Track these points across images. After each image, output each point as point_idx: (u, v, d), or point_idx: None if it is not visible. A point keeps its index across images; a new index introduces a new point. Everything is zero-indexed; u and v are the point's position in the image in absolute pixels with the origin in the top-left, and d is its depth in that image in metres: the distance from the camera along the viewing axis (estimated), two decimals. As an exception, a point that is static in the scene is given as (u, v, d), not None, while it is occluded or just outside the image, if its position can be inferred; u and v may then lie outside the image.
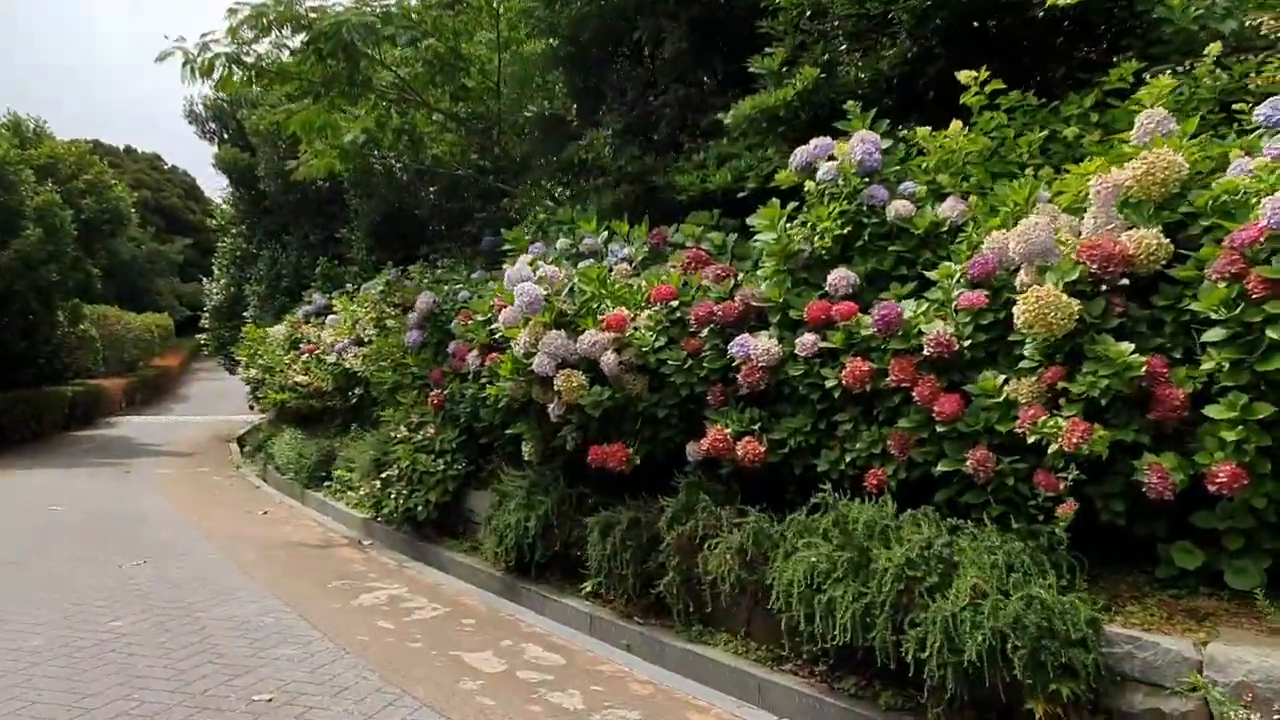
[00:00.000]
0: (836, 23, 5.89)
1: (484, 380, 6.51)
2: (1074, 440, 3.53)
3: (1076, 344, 3.77)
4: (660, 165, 6.73)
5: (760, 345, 4.70)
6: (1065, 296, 3.63)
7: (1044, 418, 3.68)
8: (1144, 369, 3.51)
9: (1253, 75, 4.27)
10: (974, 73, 4.65)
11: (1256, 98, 4.21)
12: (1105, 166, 4.07)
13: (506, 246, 7.50)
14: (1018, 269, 4.11)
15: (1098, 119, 4.79)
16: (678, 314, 5.34)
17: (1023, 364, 3.93)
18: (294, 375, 11.24)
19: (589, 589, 5.47)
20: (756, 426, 4.79)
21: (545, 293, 5.57)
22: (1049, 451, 3.74)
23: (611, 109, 7.09)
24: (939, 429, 4.04)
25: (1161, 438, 3.61)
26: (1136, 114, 4.38)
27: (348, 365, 9.48)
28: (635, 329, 5.29)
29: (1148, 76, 4.53)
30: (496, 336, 6.29)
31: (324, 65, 7.43)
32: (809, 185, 4.98)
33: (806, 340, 4.58)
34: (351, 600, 6.12)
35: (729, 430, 4.80)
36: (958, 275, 4.25)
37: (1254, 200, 3.53)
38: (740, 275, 5.31)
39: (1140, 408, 3.63)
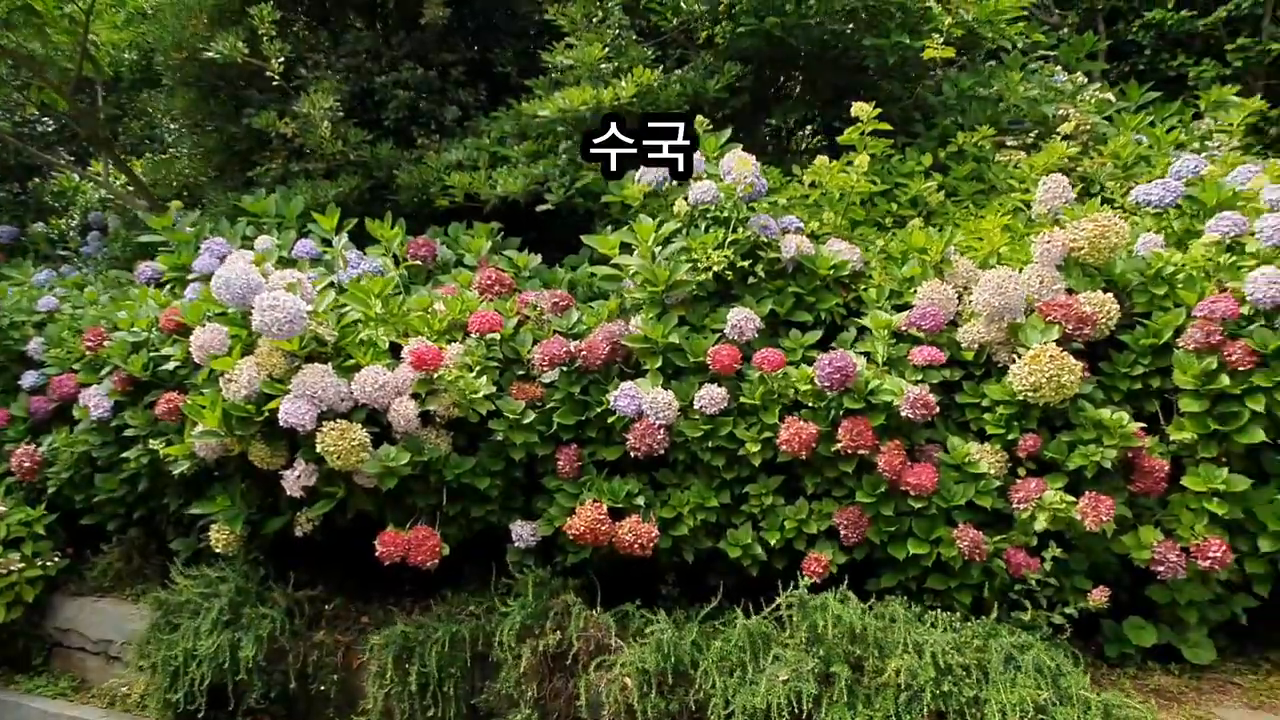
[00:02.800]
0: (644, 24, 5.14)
1: (127, 430, 4.33)
2: (1100, 519, 3.19)
3: (1049, 410, 3.50)
4: (401, 158, 5.22)
5: (659, 398, 3.67)
6: (1071, 358, 3.32)
7: (1047, 494, 3.29)
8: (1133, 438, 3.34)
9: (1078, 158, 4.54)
10: (866, 106, 4.26)
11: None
12: (997, 225, 3.93)
13: (145, 238, 5.23)
14: (953, 324, 3.75)
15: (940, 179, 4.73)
16: (503, 352, 4.01)
17: (990, 430, 3.54)
18: None
19: (362, 743, 3.78)
20: (640, 501, 3.71)
21: (308, 309, 3.80)
22: (1029, 528, 3.38)
23: (331, 69, 5.36)
24: (913, 504, 3.44)
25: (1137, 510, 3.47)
26: (995, 176, 4.40)
27: None
28: (446, 368, 3.83)
29: (1007, 142, 4.59)
30: (165, 369, 4.22)
31: None
32: (679, 206, 4.11)
33: (713, 394, 3.67)
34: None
35: (604, 506, 3.64)
36: (897, 326, 3.74)
37: (1200, 275, 3.61)
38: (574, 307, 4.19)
39: (1121, 479, 3.45)
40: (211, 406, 3.81)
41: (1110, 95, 5.11)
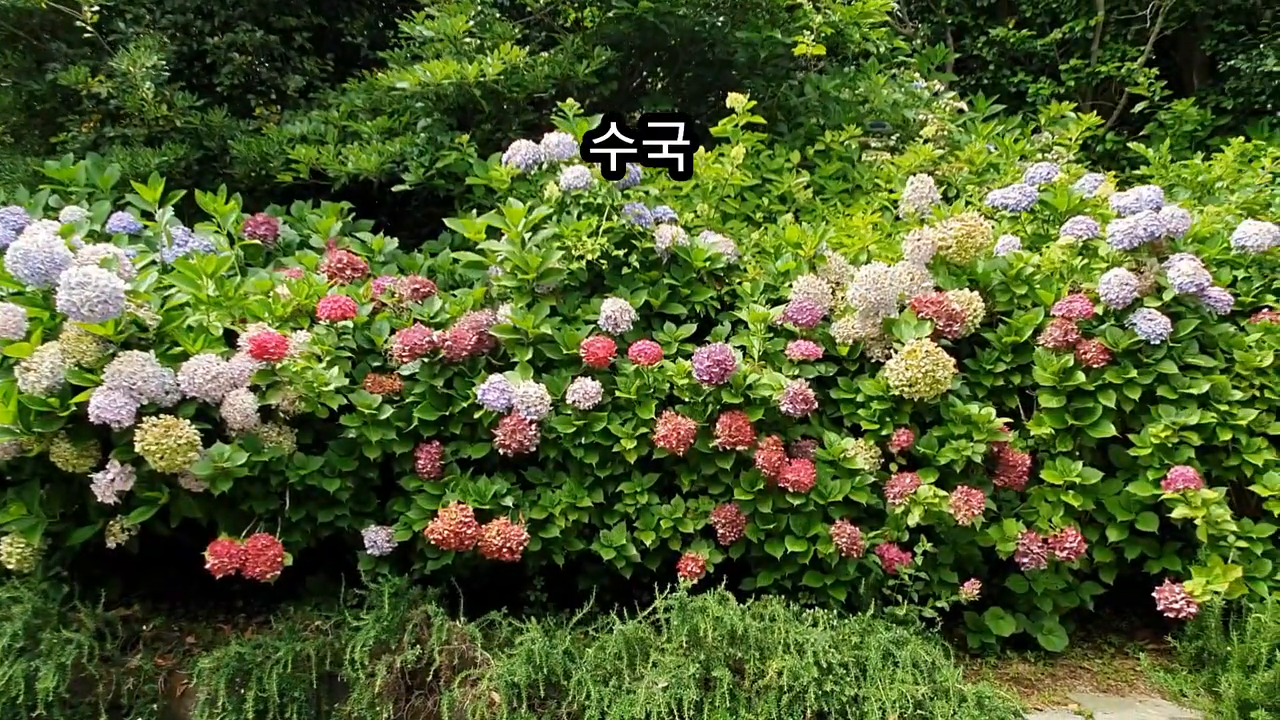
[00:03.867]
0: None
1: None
2: (973, 512, 3.23)
3: (921, 406, 3.53)
4: (236, 128, 4.72)
5: (531, 391, 3.44)
6: (945, 353, 3.35)
7: (921, 489, 3.31)
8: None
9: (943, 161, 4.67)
10: (741, 97, 4.19)
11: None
12: (867, 222, 3.98)
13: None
14: (826, 319, 3.74)
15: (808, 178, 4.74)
16: (356, 341, 3.68)
17: (864, 426, 3.53)
18: None
19: (180, 779, 3.33)
20: (509, 502, 3.47)
21: (126, 288, 3.32)
22: (902, 523, 3.40)
23: (154, 26, 4.79)
24: (791, 501, 3.38)
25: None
26: (860, 176, 4.46)
27: None
28: (291, 358, 3.45)
29: (871, 144, 4.64)
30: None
31: None
32: (550, 191, 3.90)
33: (586, 388, 3.49)
34: None
35: (470, 508, 3.38)
36: (774, 321, 3.67)
37: (1056, 276, 3.74)
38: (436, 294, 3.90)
39: (988, 473, 3.52)
40: (4, 400, 3.27)
41: (963, 104, 5.31)
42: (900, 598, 3.37)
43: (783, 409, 3.40)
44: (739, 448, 3.38)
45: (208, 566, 3.24)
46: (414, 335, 3.54)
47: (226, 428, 3.40)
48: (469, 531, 3.31)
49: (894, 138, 4.90)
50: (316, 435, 3.59)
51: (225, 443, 3.34)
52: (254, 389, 3.42)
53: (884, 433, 3.50)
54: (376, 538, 3.55)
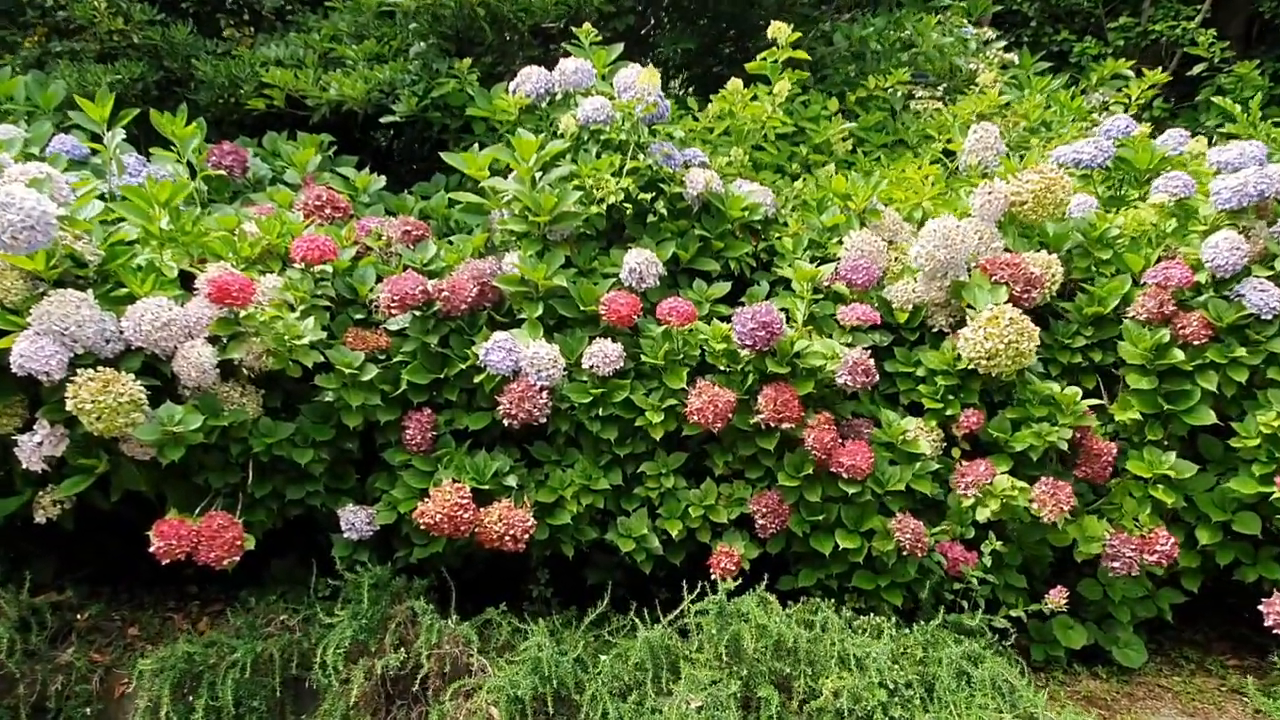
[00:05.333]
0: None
1: None
2: (1060, 509, 2.76)
3: (989, 383, 3.06)
4: (202, 47, 4.13)
5: (542, 352, 2.93)
6: (1029, 322, 2.87)
7: (998, 479, 2.84)
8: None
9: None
10: (785, 26, 3.66)
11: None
12: (924, 174, 3.49)
13: None
14: (880, 282, 3.26)
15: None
16: (336, 289, 3.15)
17: (926, 404, 3.06)
18: None
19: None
20: (512, 482, 2.97)
21: (61, 213, 2.76)
22: (966, 518, 2.94)
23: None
24: (845, 489, 2.90)
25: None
26: (904, 129, 3.97)
27: None
28: (258, 305, 2.91)
29: (917, 93, 4.15)
30: None
31: None
32: (566, 124, 3.38)
33: (607, 351, 2.98)
34: None
35: (466, 487, 2.87)
36: (822, 281, 3.18)
37: (1144, 240, 3.27)
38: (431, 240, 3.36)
39: (1064, 463, 3.06)
40: (-92, 344, 2.72)
41: (1013, 56, 4.82)
42: (964, 603, 2.91)
43: (839, 381, 2.91)
44: (784, 425, 2.89)
45: (152, 550, 2.71)
46: (405, 283, 3.01)
47: (179, 385, 2.87)
48: (466, 515, 2.80)
49: (940, 88, 4.40)
50: (287, 398, 3.06)
51: (177, 403, 2.81)
52: (213, 340, 2.89)
53: (948, 412, 3.03)
54: (355, 519, 3.03)
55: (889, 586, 2.96)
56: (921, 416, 3.08)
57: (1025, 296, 3.06)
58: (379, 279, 3.15)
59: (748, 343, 2.90)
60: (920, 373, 3.10)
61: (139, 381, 2.71)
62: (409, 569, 3.08)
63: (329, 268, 3.13)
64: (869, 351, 2.96)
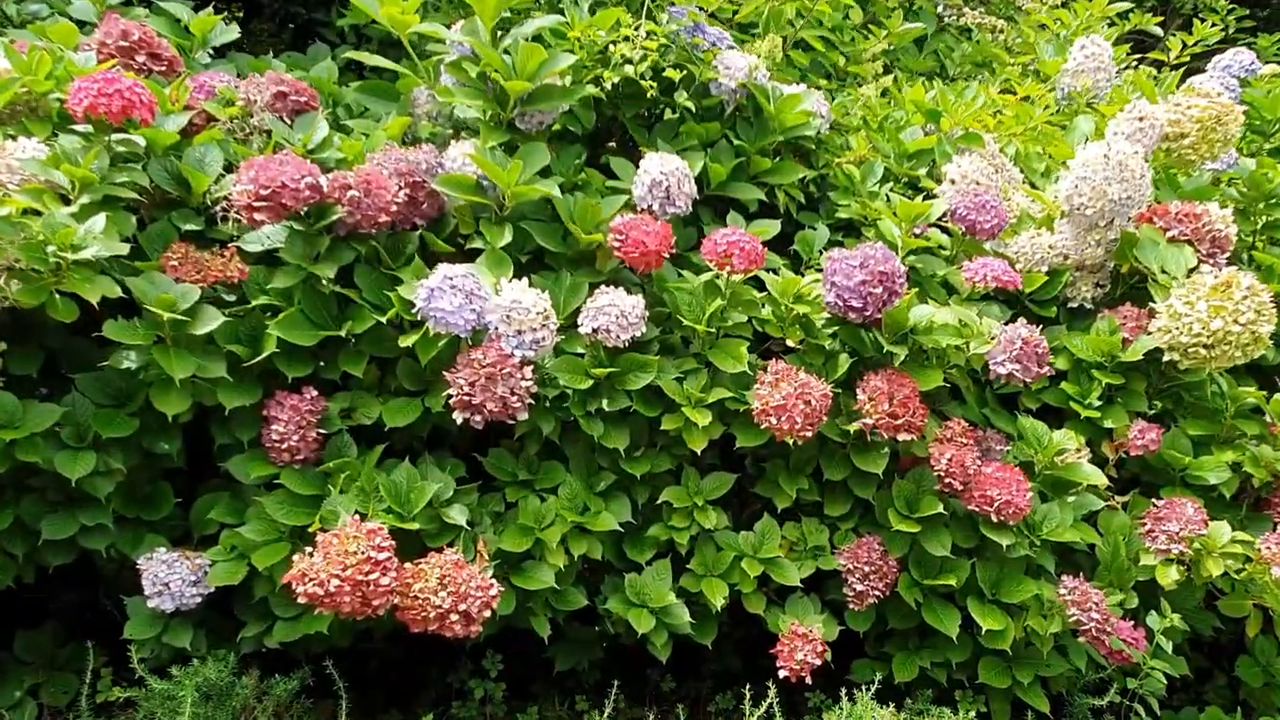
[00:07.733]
0: None
1: None
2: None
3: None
4: None
5: (526, 301, 1.73)
6: (1269, 296, 1.94)
7: (1216, 530, 1.90)
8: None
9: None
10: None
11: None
12: (1030, 91, 2.56)
13: None
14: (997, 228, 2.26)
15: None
16: (152, 176, 1.82)
17: (1082, 412, 2.09)
18: None
19: None
20: (459, 518, 1.75)
21: None
22: (1130, 578, 2.00)
23: None
24: (989, 534, 1.87)
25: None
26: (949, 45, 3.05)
27: None
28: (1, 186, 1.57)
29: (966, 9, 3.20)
30: None
31: None
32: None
33: (623, 306, 1.82)
34: None
35: (384, 529, 1.64)
36: (926, 219, 2.15)
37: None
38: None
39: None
40: None
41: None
42: (1134, 705, 1.96)
43: (997, 371, 1.88)
44: (901, 436, 1.83)
45: None
46: (283, 168, 1.72)
47: None
48: (383, 581, 1.57)
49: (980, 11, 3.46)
50: (50, 359, 1.72)
51: None
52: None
53: (1107, 423, 2.07)
54: (170, 576, 1.74)
55: (1031, 683, 1.96)
56: (1064, 427, 2.09)
57: (1210, 261, 2.15)
58: (230, 167, 1.86)
59: (853, 303, 1.82)
60: (1060, 363, 2.12)
61: None
62: (267, 657, 1.81)
63: (139, 138, 1.80)
64: (1040, 327, 1.95)
